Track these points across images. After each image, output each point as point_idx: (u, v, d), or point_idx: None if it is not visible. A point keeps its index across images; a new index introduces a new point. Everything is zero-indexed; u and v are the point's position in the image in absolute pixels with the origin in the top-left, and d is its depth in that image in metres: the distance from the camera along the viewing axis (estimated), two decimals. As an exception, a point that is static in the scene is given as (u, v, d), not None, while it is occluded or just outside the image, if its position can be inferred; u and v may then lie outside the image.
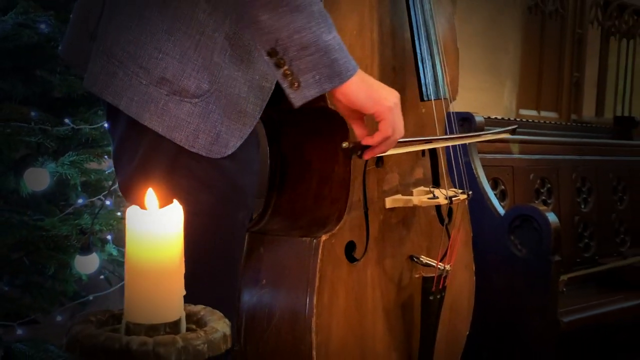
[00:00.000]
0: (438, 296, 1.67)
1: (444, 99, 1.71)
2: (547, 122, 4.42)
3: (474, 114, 2.97)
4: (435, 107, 1.70)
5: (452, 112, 3.15)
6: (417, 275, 1.71)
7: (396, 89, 1.37)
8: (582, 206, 3.31)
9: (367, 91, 1.26)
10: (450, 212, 1.83)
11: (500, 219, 2.72)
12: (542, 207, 2.69)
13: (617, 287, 3.04)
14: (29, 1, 2.00)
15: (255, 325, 1.51)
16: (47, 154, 2.16)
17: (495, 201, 2.82)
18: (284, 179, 1.64)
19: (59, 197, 2.24)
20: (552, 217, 2.59)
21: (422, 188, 1.79)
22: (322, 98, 1.38)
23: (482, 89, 5.05)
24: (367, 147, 1.36)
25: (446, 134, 1.90)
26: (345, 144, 1.43)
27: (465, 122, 2.97)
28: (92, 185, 2.28)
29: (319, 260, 1.46)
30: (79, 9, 1.36)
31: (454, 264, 1.74)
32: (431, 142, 1.65)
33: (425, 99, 1.63)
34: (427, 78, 1.61)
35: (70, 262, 2.13)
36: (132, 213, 0.71)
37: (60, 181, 2.18)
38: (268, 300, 1.51)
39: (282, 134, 1.64)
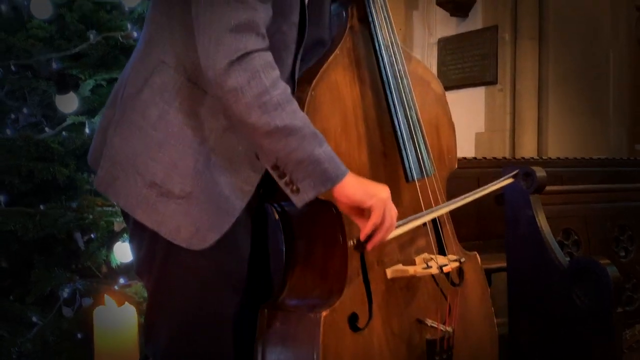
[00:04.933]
0: (444, 356, 1.79)
1: (433, 175, 1.85)
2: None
3: (535, 170, 3.01)
4: (428, 182, 1.83)
5: (511, 167, 3.23)
6: (428, 336, 1.82)
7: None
8: (670, 253, 3.21)
9: (363, 188, 1.49)
10: (461, 272, 1.95)
11: (564, 271, 2.74)
12: (602, 260, 2.69)
13: None
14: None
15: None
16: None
17: (559, 253, 2.85)
18: (296, 257, 1.80)
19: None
20: (611, 270, 2.59)
21: (425, 255, 1.87)
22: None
23: (583, 130, 4.97)
24: (368, 240, 1.55)
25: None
26: (350, 243, 1.65)
27: (528, 177, 3.02)
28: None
29: (321, 334, 1.61)
30: (102, 119, 1.63)
31: (472, 319, 1.85)
32: (426, 215, 1.80)
33: (410, 179, 1.77)
34: (410, 161, 1.75)
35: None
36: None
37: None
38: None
39: (292, 219, 1.81)
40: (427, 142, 1.82)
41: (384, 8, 1.79)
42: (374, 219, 1.50)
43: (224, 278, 1.52)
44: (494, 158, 4.00)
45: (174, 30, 1.45)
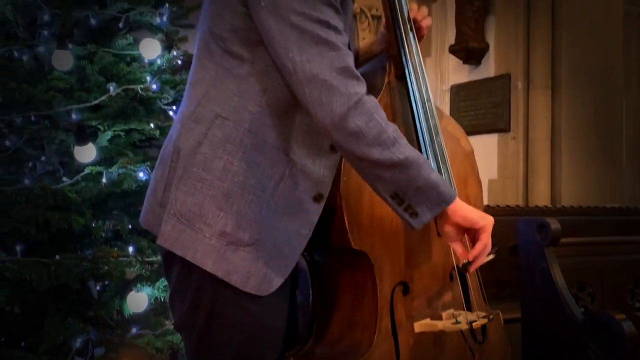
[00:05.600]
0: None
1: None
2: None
3: (550, 222, 3.00)
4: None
5: (525, 219, 3.22)
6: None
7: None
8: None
9: (473, 210, 1.58)
10: (484, 329, 1.94)
11: (579, 324, 2.72)
12: (617, 315, 2.67)
13: None
14: (126, 160, 2.44)
15: None
16: (144, 280, 2.55)
17: (574, 306, 2.82)
18: (324, 306, 1.82)
19: (154, 318, 2.61)
20: (627, 325, 2.56)
21: (451, 311, 1.88)
22: (347, 240, 1.66)
23: (596, 178, 4.96)
24: (470, 262, 1.61)
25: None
26: (459, 265, 1.69)
27: (542, 229, 3.01)
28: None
29: (348, 387, 1.61)
30: (152, 182, 1.65)
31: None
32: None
33: (439, 234, 1.77)
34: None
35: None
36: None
37: (158, 304, 2.56)
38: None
39: (321, 268, 1.84)
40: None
41: (420, 65, 1.84)
42: (485, 239, 1.58)
43: (267, 333, 1.54)
44: (507, 206, 3.99)
45: (227, 85, 1.50)
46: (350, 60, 1.46)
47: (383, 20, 1.89)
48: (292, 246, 1.54)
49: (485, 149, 5.09)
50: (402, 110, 1.83)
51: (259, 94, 1.50)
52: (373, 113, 1.45)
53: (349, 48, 1.57)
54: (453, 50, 5.28)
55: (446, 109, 5.53)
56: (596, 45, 4.92)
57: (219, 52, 1.51)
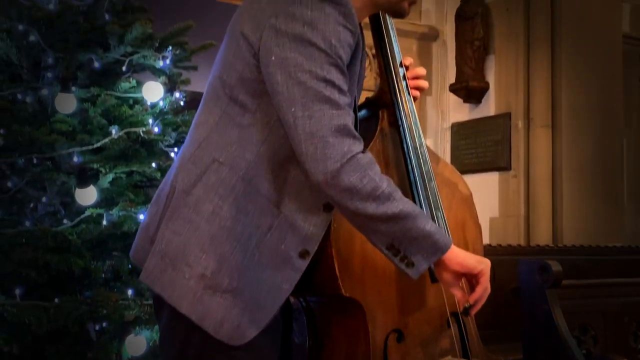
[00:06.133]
0: None
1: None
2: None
3: (551, 264, 2.98)
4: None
5: (527, 261, 3.21)
6: None
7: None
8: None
9: (469, 255, 1.59)
10: (479, 377, 1.92)
11: (582, 369, 2.69)
12: (620, 358, 2.65)
13: None
14: (126, 202, 2.45)
15: None
16: (143, 323, 2.54)
17: (576, 350, 2.80)
18: (319, 352, 1.80)
19: (153, 361, 2.59)
20: (630, 370, 2.54)
21: (448, 358, 1.84)
22: (338, 287, 1.65)
23: (598, 216, 4.95)
24: (471, 306, 1.62)
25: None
26: (459, 310, 1.70)
27: (543, 271, 2.99)
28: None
29: None
30: (146, 218, 1.67)
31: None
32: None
33: (435, 280, 1.74)
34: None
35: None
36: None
37: (157, 347, 2.54)
38: None
39: (315, 313, 1.82)
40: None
41: (412, 112, 1.85)
42: (485, 283, 1.59)
43: None
44: (509, 245, 3.98)
45: (228, 132, 1.53)
46: (349, 120, 1.48)
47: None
48: (271, 299, 1.53)
49: (487, 187, 5.10)
50: (395, 157, 1.83)
51: (258, 144, 1.53)
52: (367, 169, 1.46)
53: (355, 102, 1.62)
54: (453, 89, 5.32)
55: (447, 147, 5.55)
56: (596, 84, 4.96)
57: (225, 99, 1.54)
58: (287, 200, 1.55)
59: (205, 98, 1.62)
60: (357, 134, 1.50)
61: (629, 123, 5.59)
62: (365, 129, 1.85)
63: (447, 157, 5.54)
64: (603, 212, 4.89)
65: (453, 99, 5.45)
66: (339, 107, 1.46)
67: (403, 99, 1.84)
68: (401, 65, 1.87)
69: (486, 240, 4.97)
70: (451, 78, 5.38)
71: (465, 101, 5.32)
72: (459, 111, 5.45)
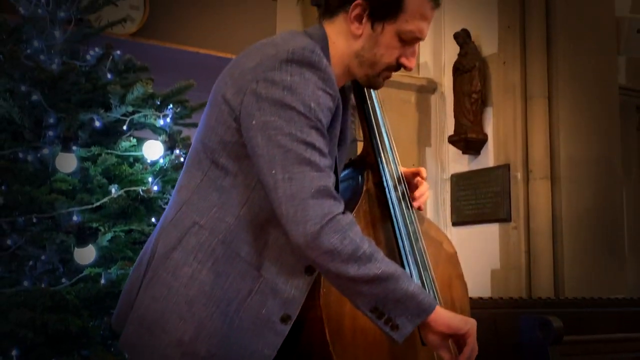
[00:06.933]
0: None
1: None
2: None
3: (552, 320, 2.97)
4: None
5: (528, 317, 3.19)
6: None
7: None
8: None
9: (455, 316, 1.58)
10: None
11: None
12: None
13: None
14: (125, 260, 2.45)
15: None
16: None
17: (580, 409, 2.77)
18: None
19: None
20: None
21: None
22: (329, 353, 1.64)
23: (599, 268, 4.93)
24: None
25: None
26: None
27: (544, 327, 2.98)
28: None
29: None
30: (128, 282, 1.67)
31: None
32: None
33: (424, 344, 1.77)
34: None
35: None
36: None
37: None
38: None
39: None
40: (442, 303, 1.82)
41: (397, 173, 1.87)
42: (472, 344, 1.57)
43: None
44: (511, 298, 3.96)
45: (208, 196, 1.54)
46: (330, 182, 1.49)
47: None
48: None
49: (487, 239, 5.09)
50: (381, 217, 1.84)
51: (238, 207, 1.54)
52: (347, 230, 1.46)
53: (336, 163, 1.63)
54: (452, 140, 5.36)
55: (447, 198, 5.56)
56: (594, 136, 5.00)
57: (207, 162, 1.56)
58: (268, 263, 1.54)
59: (187, 162, 1.64)
60: (337, 195, 1.51)
61: (628, 173, 5.61)
62: (352, 190, 1.88)
63: (447, 208, 5.55)
64: (604, 263, 4.87)
65: (452, 150, 5.48)
66: (320, 169, 1.47)
67: (387, 159, 1.85)
68: (384, 125, 1.88)
69: (488, 292, 4.94)
70: (450, 129, 5.42)
71: (464, 152, 5.36)
72: (459, 162, 5.48)
